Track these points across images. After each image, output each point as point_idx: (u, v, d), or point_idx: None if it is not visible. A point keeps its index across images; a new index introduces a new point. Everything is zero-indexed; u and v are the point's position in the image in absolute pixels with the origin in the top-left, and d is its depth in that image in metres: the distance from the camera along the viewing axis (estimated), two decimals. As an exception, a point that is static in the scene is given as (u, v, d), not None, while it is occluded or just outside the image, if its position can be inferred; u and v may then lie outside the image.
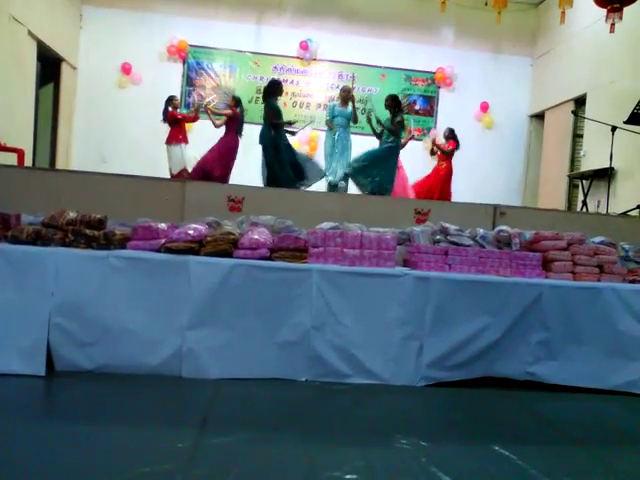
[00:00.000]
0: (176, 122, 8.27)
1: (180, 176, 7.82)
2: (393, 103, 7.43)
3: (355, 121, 7.78)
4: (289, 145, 7.06)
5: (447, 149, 8.44)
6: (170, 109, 8.27)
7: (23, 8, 8.38)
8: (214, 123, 7.99)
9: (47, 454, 2.26)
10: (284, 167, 6.79)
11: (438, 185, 8.29)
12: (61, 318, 3.18)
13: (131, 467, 2.16)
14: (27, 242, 3.29)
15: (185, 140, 8.30)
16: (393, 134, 7.28)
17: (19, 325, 3.13)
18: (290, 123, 7.38)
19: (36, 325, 3.15)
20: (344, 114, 7.66)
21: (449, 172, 8.37)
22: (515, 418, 3.09)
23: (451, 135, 8.48)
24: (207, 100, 8.95)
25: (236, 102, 7.87)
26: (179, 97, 10.86)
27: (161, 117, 8.31)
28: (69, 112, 10.36)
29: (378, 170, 7.10)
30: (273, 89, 7.17)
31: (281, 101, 10.93)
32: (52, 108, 9.99)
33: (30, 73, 8.94)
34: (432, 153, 9.05)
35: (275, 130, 6.87)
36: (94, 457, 2.25)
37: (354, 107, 7.63)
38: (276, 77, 10.91)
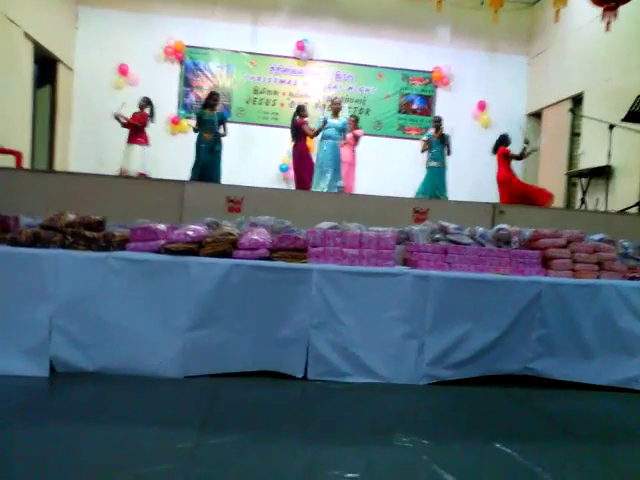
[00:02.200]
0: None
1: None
2: (439, 124, 8.27)
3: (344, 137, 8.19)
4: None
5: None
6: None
7: (18, 9, 8.37)
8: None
9: (47, 454, 2.26)
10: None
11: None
12: (62, 320, 3.17)
13: (131, 467, 2.15)
14: (26, 244, 3.28)
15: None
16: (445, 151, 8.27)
17: (21, 327, 3.13)
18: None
19: (38, 327, 3.14)
20: (336, 126, 7.80)
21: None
22: (516, 415, 3.09)
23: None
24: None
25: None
26: (176, 98, 10.89)
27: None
28: (66, 113, 10.35)
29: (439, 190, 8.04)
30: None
31: (279, 101, 11.04)
32: (49, 110, 9.99)
33: (26, 75, 8.93)
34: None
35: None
36: (94, 457, 2.25)
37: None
38: (273, 77, 11.00)
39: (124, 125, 8.42)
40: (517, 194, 7.74)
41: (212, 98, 7.83)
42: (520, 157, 8.50)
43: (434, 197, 7.84)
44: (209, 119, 7.67)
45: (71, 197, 4.39)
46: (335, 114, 7.92)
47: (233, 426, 2.64)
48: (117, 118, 8.39)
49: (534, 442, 2.69)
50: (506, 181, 8.21)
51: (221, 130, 7.75)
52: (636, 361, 3.60)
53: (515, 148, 10.97)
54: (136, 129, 8.43)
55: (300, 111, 7.94)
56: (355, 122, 8.99)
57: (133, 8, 10.57)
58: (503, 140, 8.52)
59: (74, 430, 2.50)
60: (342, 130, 7.88)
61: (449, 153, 8.28)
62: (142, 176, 8.00)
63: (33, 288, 3.16)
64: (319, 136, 7.98)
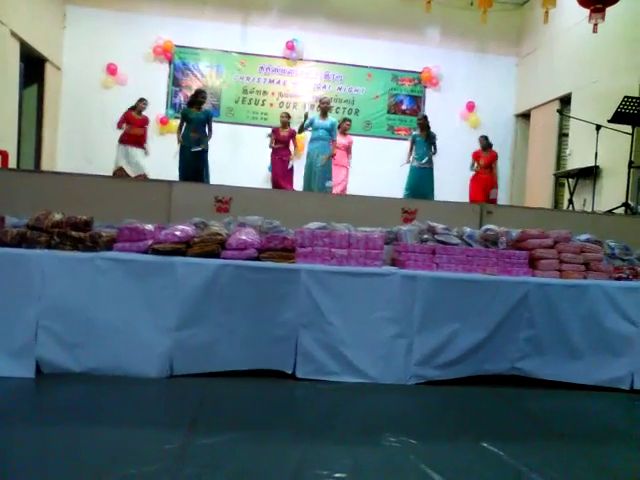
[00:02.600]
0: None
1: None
2: (427, 123, 8.13)
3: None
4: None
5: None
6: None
7: (4, 8, 8.30)
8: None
9: (33, 456, 2.24)
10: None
11: None
12: (48, 321, 3.15)
13: (119, 468, 2.14)
14: (11, 245, 3.26)
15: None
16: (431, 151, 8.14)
17: (6, 328, 3.10)
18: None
19: (23, 328, 3.12)
20: (325, 127, 7.77)
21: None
22: (503, 415, 3.10)
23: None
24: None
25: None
26: (165, 98, 10.84)
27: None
28: (54, 113, 10.27)
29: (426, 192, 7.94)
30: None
31: (268, 101, 11.02)
32: (36, 109, 9.91)
33: (13, 73, 8.86)
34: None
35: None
36: (81, 458, 2.23)
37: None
38: (262, 77, 10.98)
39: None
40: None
41: (200, 96, 7.72)
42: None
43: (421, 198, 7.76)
44: (195, 117, 7.59)
45: (58, 197, 4.34)
46: (324, 114, 7.89)
47: (222, 426, 2.63)
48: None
49: (521, 441, 2.71)
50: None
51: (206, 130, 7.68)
52: (622, 361, 3.62)
53: (501, 147, 11.13)
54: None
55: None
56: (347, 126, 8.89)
57: (122, 7, 10.52)
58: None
59: (60, 431, 2.48)
60: (331, 130, 7.86)
61: (434, 152, 8.20)
62: (143, 177, 8.06)
63: (19, 289, 3.14)
64: (308, 137, 7.98)
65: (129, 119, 8.56)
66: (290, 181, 8.39)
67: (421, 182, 8.04)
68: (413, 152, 8.22)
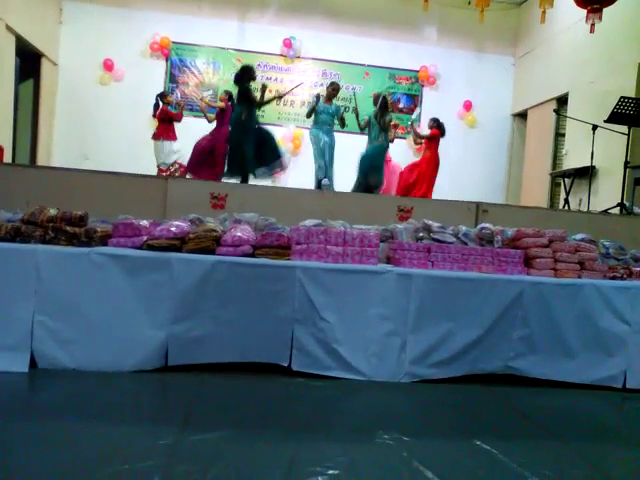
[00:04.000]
0: (167, 119, 8.33)
1: (167, 171, 7.89)
2: (383, 103, 7.46)
3: (342, 125, 7.74)
4: (260, 128, 6.92)
5: (423, 135, 8.38)
6: (162, 105, 8.33)
7: (0, 2, 8.25)
8: (207, 118, 8.13)
9: (26, 451, 2.24)
10: (247, 149, 6.53)
11: (426, 173, 8.21)
12: (44, 316, 3.15)
13: (111, 464, 2.13)
14: (6, 239, 3.25)
15: (174, 137, 8.37)
16: (384, 131, 7.39)
17: (2, 322, 3.09)
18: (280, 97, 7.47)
19: (18, 323, 3.12)
20: (328, 111, 7.56)
21: (432, 160, 8.15)
22: (497, 413, 3.11)
23: (435, 124, 8.37)
24: (202, 95, 9.30)
25: (229, 96, 7.89)
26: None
27: (151, 112, 8.53)
28: (50, 108, 10.23)
29: (371, 169, 7.22)
30: (246, 74, 6.92)
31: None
32: (32, 104, 9.86)
33: (9, 68, 8.81)
34: (415, 142, 8.98)
35: (249, 113, 6.66)
36: (74, 454, 2.22)
37: (357, 115, 7.69)
38: (259, 75, 10.93)
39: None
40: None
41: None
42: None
43: (370, 173, 7.22)
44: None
45: (53, 192, 4.34)
46: (329, 99, 7.66)
47: (215, 423, 2.63)
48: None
49: (514, 440, 2.72)
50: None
51: None
52: (615, 360, 3.64)
53: (498, 146, 11.05)
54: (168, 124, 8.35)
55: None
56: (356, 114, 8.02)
57: (119, 3, 10.47)
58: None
59: (53, 427, 2.47)
60: (335, 115, 7.65)
61: (386, 133, 7.53)
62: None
63: (13, 283, 3.13)
64: (312, 121, 7.70)
65: (170, 115, 8.42)
66: None
67: (370, 157, 7.39)
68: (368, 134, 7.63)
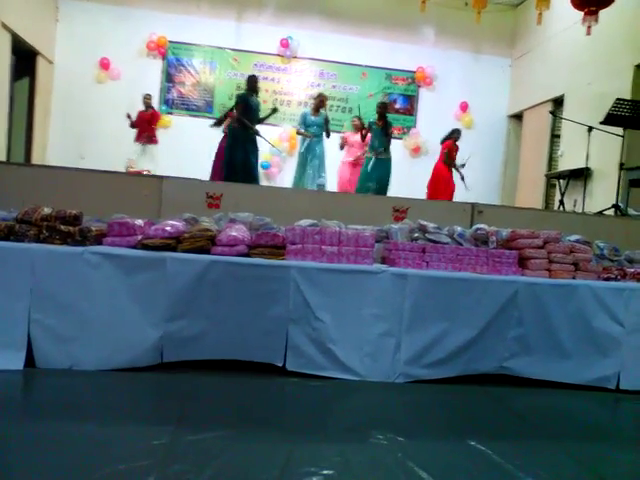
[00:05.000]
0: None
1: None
2: (385, 111, 7.68)
3: (328, 135, 7.90)
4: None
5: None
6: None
7: (-4, 0, 8.24)
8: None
9: (22, 451, 2.23)
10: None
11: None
12: (39, 314, 3.14)
13: (106, 464, 2.12)
14: (0, 238, 3.23)
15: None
16: (388, 141, 7.65)
17: None
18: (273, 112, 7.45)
19: (15, 321, 3.11)
20: (317, 122, 7.74)
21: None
22: (491, 414, 3.12)
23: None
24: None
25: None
26: (158, 93, 10.80)
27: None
28: (45, 107, 10.20)
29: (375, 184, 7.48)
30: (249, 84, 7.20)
31: (261, 98, 10.92)
32: (27, 103, 9.84)
33: (4, 66, 8.79)
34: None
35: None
36: (69, 454, 2.21)
37: (327, 125, 7.85)
38: (257, 74, 10.95)
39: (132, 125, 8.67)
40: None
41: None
42: (455, 166, 8.25)
43: (378, 192, 7.25)
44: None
45: (48, 191, 4.32)
46: (316, 110, 7.85)
47: (210, 422, 2.62)
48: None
49: (508, 440, 2.72)
50: (444, 181, 8.19)
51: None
52: (610, 360, 3.64)
53: (494, 148, 11.05)
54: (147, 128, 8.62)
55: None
56: (361, 124, 8.11)
57: (116, 1, 10.47)
58: (453, 133, 8.48)
59: (49, 426, 2.46)
60: (323, 125, 7.82)
61: (389, 142, 7.69)
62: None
63: (8, 282, 3.12)
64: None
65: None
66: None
67: (375, 173, 7.53)
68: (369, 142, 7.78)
